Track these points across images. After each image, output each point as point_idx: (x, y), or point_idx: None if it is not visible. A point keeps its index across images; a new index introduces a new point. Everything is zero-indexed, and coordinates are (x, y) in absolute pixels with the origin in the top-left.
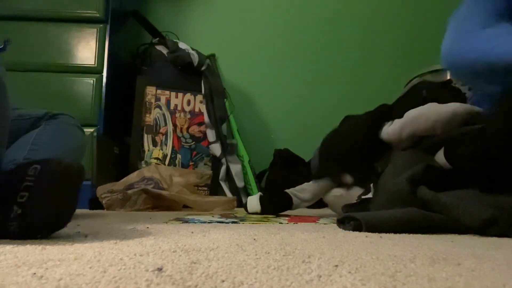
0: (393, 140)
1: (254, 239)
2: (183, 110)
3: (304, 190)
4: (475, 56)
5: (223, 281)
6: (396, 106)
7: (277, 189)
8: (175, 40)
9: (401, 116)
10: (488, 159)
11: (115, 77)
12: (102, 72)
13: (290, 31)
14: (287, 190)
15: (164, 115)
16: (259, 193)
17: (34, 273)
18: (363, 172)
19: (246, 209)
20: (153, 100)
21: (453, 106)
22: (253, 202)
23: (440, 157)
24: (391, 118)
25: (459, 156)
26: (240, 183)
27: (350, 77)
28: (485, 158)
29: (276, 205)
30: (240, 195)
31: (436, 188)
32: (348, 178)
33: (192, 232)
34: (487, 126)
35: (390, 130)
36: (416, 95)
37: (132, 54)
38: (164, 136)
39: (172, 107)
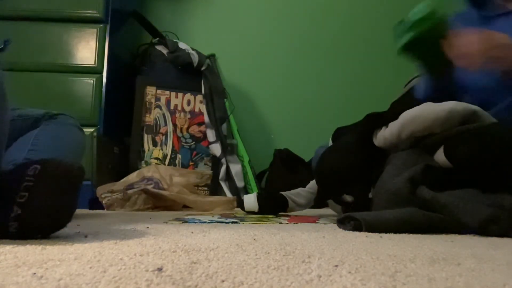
0: (390, 144)
1: (254, 239)
2: (183, 110)
3: (299, 195)
4: None
5: (223, 281)
6: (388, 110)
7: (277, 189)
8: (175, 40)
9: (395, 119)
10: (489, 157)
11: (115, 77)
12: (102, 72)
13: (291, 31)
14: (283, 193)
15: (164, 115)
16: (256, 192)
17: (34, 273)
18: (362, 188)
19: (242, 208)
20: (153, 100)
21: (450, 105)
22: (250, 200)
23: (439, 156)
24: (384, 123)
25: (459, 154)
26: (240, 183)
27: (351, 77)
28: (486, 156)
29: (273, 205)
30: (240, 195)
31: (436, 188)
32: (348, 198)
33: (192, 232)
34: (490, 124)
35: (387, 134)
36: (410, 97)
37: (132, 54)
38: (164, 136)
39: (172, 107)
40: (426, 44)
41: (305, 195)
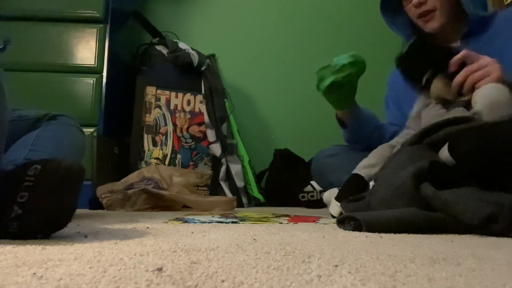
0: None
1: (254, 239)
2: (183, 110)
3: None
4: None
5: (223, 281)
6: None
7: (277, 189)
8: (175, 40)
9: None
10: (492, 154)
11: (115, 77)
12: (102, 72)
13: (291, 30)
14: (357, 172)
15: (164, 115)
16: (335, 194)
17: (34, 273)
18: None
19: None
20: (153, 100)
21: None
22: (334, 207)
23: (444, 153)
24: None
25: (462, 150)
26: (240, 183)
27: None
28: (488, 154)
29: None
30: (240, 195)
31: (441, 185)
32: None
33: (192, 232)
34: (496, 122)
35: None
36: None
37: (132, 54)
38: (164, 136)
39: (172, 107)
40: (344, 86)
41: (373, 153)
